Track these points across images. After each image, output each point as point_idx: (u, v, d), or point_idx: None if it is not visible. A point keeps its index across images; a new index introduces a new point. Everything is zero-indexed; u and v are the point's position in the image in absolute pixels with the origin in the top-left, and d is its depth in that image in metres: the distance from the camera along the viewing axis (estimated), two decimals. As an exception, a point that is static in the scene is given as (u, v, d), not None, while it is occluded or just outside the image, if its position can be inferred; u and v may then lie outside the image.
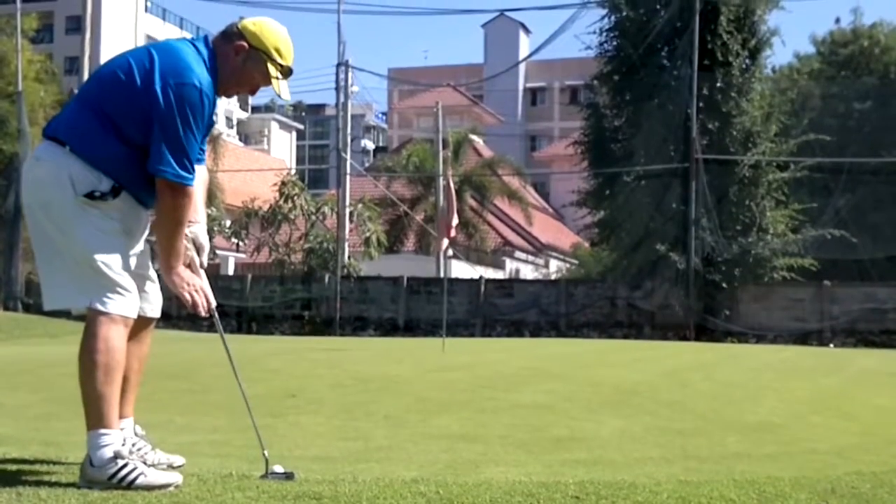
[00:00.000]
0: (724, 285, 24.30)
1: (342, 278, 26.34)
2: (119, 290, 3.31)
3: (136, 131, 3.29)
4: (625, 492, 3.42)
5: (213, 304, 3.48)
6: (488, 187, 36.83)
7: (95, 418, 3.27)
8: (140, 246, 3.49)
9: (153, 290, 3.58)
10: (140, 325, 3.52)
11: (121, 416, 3.45)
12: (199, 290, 3.42)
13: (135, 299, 3.39)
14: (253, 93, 3.56)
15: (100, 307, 3.28)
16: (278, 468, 3.48)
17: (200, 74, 3.31)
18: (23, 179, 3.48)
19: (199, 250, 3.54)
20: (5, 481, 3.22)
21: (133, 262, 3.42)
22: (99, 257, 3.28)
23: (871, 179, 29.46)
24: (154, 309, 3.60)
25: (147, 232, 3.57)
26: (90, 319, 3.32)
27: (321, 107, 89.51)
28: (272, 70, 3.42)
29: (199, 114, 3.30)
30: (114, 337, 3.29)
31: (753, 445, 5.04)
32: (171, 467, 3.55)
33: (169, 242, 3.35)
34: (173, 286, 3.40)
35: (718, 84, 25.15)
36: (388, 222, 34.17)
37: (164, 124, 3.24)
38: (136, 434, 3.63)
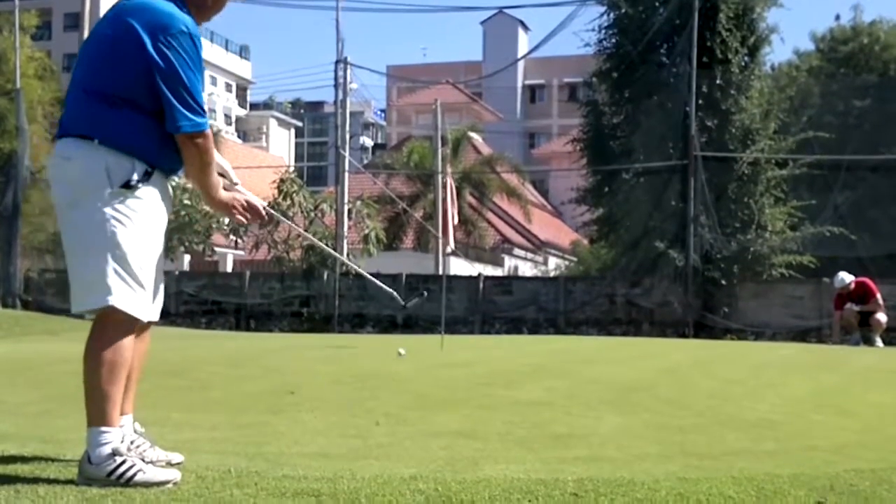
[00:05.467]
0: (723, 282, 24.27)
1: (341, 275, 26.33)
2: (139, 289, 3.32)
3: (143, 97, 3.31)
4: (623, 489, 3.43)
5: (263, 205, 3.73)
6: (487, 184, 36.81)
7: (97, 415, 3.27)
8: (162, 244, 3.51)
9: (160, 289, 3.57)
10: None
11: (120, 413, 3.44)
12: (245, 205, 3.64)
13: (148, 300, 3.39)
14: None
15: (116, 304, 3.28)
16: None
17: (183, 17, 3.36)
18: (53, 180, 3.43)
19: (225, 174, 3.76)
20: (4, 478, 3.22)
21: (158, 260, 3.43)
22: (128, 254, 3.29)
23: (870, 176, 29.39)
24: (156, 308, 3.60)
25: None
26: (102, 315, 3.31)
27: (320, 104, 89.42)
28: None
29: (195, 55, 3.38)
30: (123, 335, 3.29)
31: (752, 442, 5.03)
32: (169, 464, 3.55)
33: (203, 182, 3.51)
34: (224, 212, 3.68)
35: (717, 81, 25.09)
36: (387, 219, 34.15)
37: (169, 81, 3.29)
38: (135, 431, 3.62)
